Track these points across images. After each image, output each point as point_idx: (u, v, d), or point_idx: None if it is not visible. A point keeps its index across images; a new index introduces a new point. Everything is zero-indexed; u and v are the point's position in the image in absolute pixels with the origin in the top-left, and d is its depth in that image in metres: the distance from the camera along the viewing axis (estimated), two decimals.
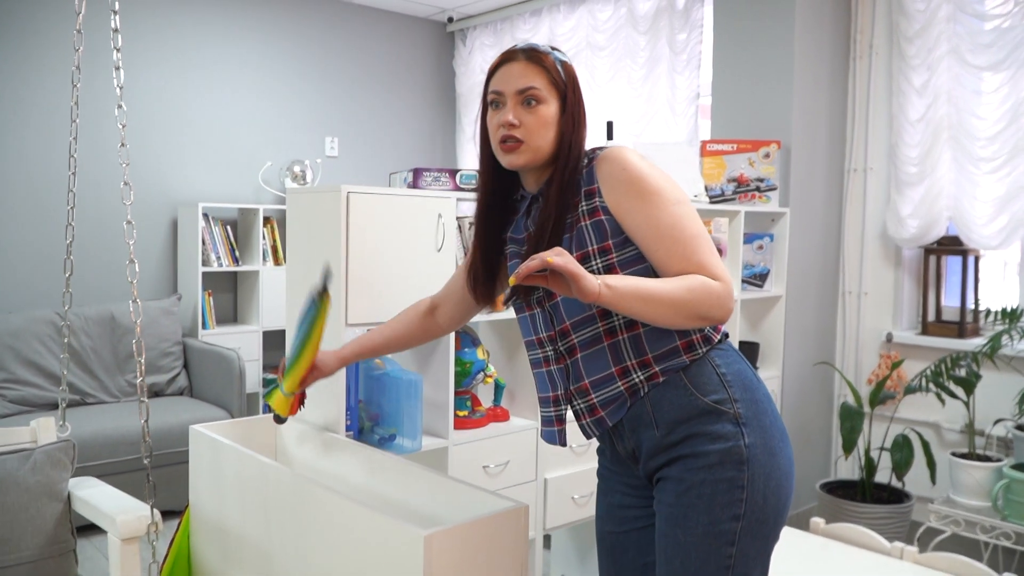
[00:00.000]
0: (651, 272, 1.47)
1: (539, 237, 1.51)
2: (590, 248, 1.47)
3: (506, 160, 1.54)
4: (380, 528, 1.52)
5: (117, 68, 1.91)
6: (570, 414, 1.60)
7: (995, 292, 3.93)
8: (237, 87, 5.32)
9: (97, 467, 3.71)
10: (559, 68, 1.55)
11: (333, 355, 1.87)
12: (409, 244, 2.35)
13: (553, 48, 1.58)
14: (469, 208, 2.71)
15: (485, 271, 1.67)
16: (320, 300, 1.75)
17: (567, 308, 1.53)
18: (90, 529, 3.40)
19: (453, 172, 2.58)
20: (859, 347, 4.11)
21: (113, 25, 1.95)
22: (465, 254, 2.58)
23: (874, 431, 3.68)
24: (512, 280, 1.29)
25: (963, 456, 3.02)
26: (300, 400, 1.95)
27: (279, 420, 1.97)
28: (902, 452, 3.28)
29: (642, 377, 1.48)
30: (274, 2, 5.45)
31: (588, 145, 1.58)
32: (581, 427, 1.58)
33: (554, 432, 1.61)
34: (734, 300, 1.50)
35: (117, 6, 1.93)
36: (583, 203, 1.49)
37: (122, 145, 1.85)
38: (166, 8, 4.96)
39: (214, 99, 5.22)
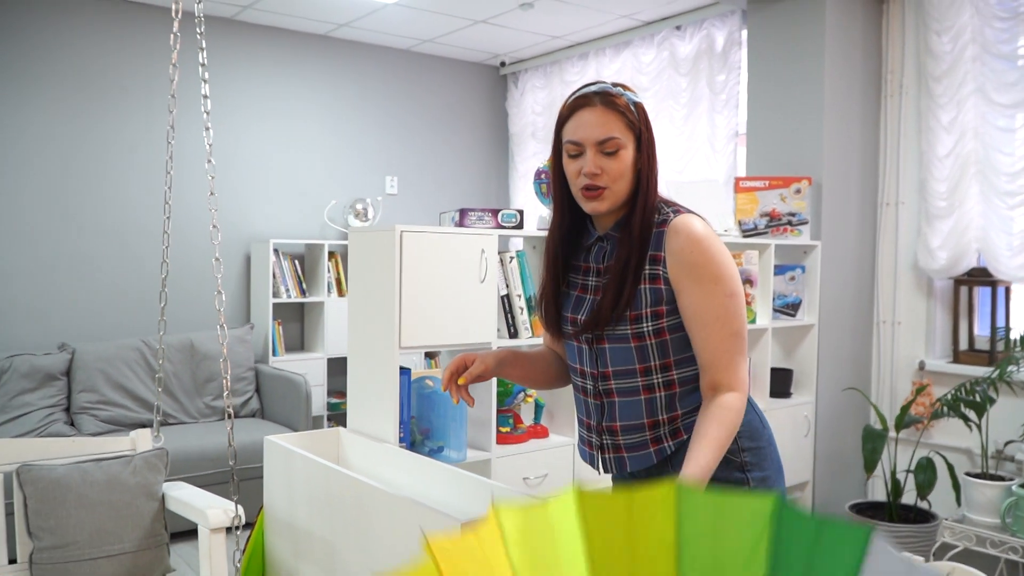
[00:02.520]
0: (689, 340, 1.60)
1: (622, 274, 1.58)
2: (644, 310, 1.58)
3: (590, 207, 1.61)
4: (427, 519, 1.80)
5: (207, 128, 2.25)
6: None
7: None
8: (304, 131, 5.74)
9: (180, 479, 4.07)
10: (633, 110, 1.59)
11: (485, 354, 1.81)
12: (456, 276, 2.65)
13: (625, 88, 1.61)
14: (511, 244, 2.99)
15: (555, 301, 1.73)
16: None
17: (612, 356, 1.64)
18: (173, 538, 3.74)
19: (495, 211, 2.87)
20: (893, 374, 4.26)
21: (203, 91, 2.30)
22: (507, 285, 2.87)
23: (902, 455, 3.83)
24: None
25: (977, 476, 3.17)
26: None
27: None
28: (925, 474, 3.43)
29: (668, 431, 1.61)
30: (338, 51, 5.88)
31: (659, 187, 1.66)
32: (603, 460, 1.70)
33: (587, 453, 1.74)
34: (746, 402, 1.60)
35: (207, 76, 2.27)
36: (647, 267, 1.58)
37: (211, 194, 2.19)
38: (241, 60, 5.41)
39: (284, 143, 5.65)
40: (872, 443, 3.55)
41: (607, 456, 1.68)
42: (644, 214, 1.59)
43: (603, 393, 1.65)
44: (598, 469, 1.71)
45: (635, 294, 1.57)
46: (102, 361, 4.57)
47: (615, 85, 1.60)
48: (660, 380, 1.61)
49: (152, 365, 4.71)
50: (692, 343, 1.58)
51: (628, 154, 1.58)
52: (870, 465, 3.54)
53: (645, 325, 1.58)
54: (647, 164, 1.60)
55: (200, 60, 2.20)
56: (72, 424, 4.46)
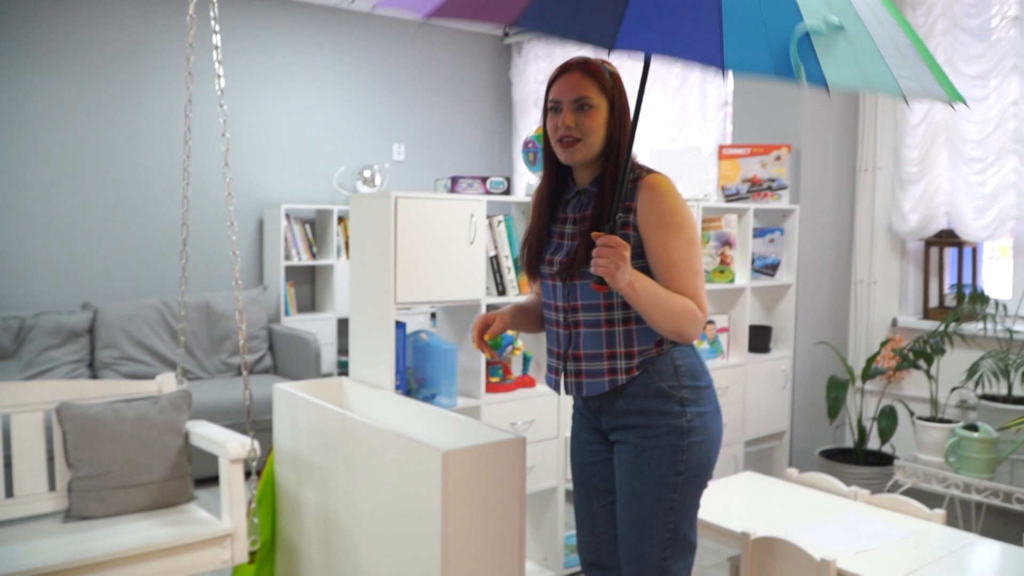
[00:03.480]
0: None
1: (597, 220, 1.84)
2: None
3: (564, 155, 1.89)
4: (410, 449, 2.08)
5: (221, 106, 2.51)
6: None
7: (998, 279, 4.29)
8: (314, 100, 5.98)
9: None
10: (608, 78, 1.88)
11: (502, 311, 2.10)
12: (447, 238, 2.91)
13: (603, 61, 1.90)
14: (498, 208, 3.24)
15: (536, 244, 2.00)
16: None
17: (582, 292, 1.92)
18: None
19: (484, 179, 3.13)
20: (869, 331, 4.51)
21: (218, 72, 2.55)
22: (495, 247, 3.13)
23: (872, 404, 4.09)
24: (594, 235, 1.74)
25: (928, 420, 3.43)
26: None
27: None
28: (887, 420, 3.70)
29: (623, 367, 1.89)
30: (347, 22, 6.09)
31: (635, 144, 1.84)
32: (565, 384, 1.98)
33: (552, 380, 2.03)
34: (704, 327, 1.90)
35: (220, 57, 2.53)
36: (621, 214, 1.84)
37: (226, 164, 2.45)
38: (254, 32, 5.64)
39: (295, 111, 5.89)
40: (835, 392, 3.82)
41: (569, 380, 1.96)
42: (616, 168, 1.84)
43: (571, 324, 1.93)
44: (559, 391, 2.01)
45: (616, 213, 1.78)
46: (123, 319, 4.87)
47: (596, 60, 1.89)
48: (620, 316, 1.89)
49: (170, 323, 5.01)
50: (660, 282, 1.82)
51: (600, 113, 1.85)
52: (833, 412, 3.81)
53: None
54: (618, 125, 1.87)
55: (214, 43, 2.44)
56: (95, 378, 4.77)
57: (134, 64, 5.23)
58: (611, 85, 1.88)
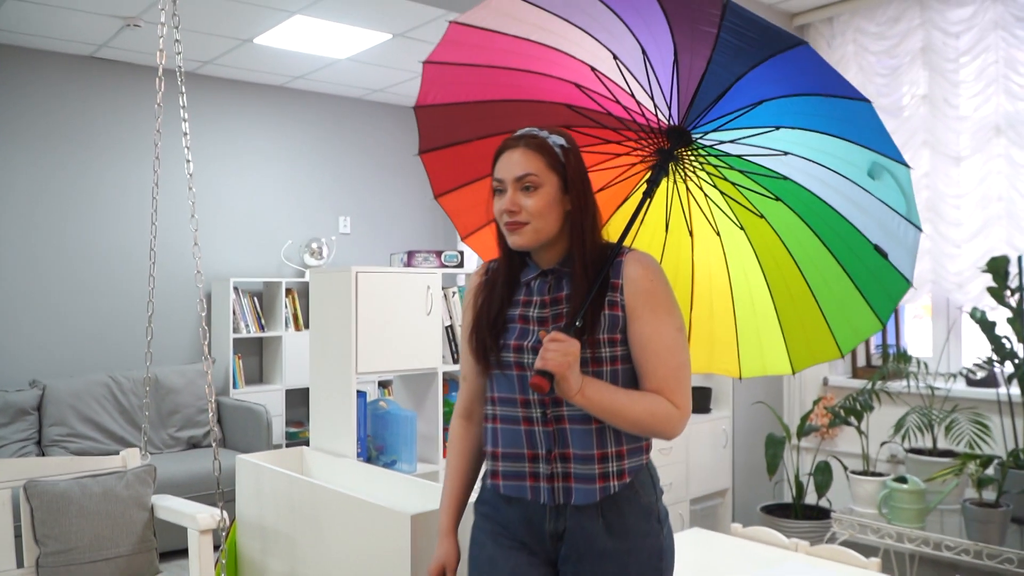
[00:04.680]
0: (632, 376, 1.66)
1: (575, 309, 1.61)
2: (603, 335, 1.62)
3: (511, 240, 1.66)
4: (378, 514, 2.18)
5: (190, 188, 2.63)
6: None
7: (920, 338, 4.58)
8: (261, 174, 6.11)
9: None
10: (556, 152, 1.64)
11: (448, 540, 1.81)
12: (405, 310, 3.05)
13: (553, 130, 1.67)
14: (451, 280, 3.40)
15: (492, 331, 1.70)
16: None
17: None
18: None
19: (439, 253, 3.29)
20: (803, 390, 4.75)
21: (187, 156, 2.67)
22: (450, 317, 3.27)
23: (805, 460, 4.31)
24: (542, 335, 1.56)
25: (861, 474, 3.65)
26: None
27: None
28: (823, 475, 3.91)
29: (615, 470, 1.64)
30: (293, 100, 6.27)
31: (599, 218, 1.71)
32: (551, 489, 1.64)
33: (525, 487, 1.67)
34: (685, 425, 1.64)
35: (189, 143, 2.65)
36: (608, 293, 1.64)
37: (195, 244, 2.56)
38: (201, 109, 5.77)
39: (241, 186, 6.00)
40: (773, 449, 4.02)
41: (556, 485, 1.65)
42: (587, 249, 1.64)
43: (554, 419, 1.65)
44: (541, 499, 1.66)
45: (597, 316, 1.63)
46: (72, 396, 4.84)
47: (544, 130, 1.67)
48: None
49: (119, 399, 4.99)
50: (641, 371, 1.64)
51: (549, 191, 1.62)
52: (772, 468, 4.01)
53: (604, 351, 1.62)
54: (577, 202, 1.64)
55: (183, 129, 2.58)
56: (43, 456, 4.72)
57: (89, 145, 5.30)
58: (561, 159, 1.64)
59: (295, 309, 6.01)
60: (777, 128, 1.70)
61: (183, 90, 2.69)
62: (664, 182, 1.88)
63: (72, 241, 5.27)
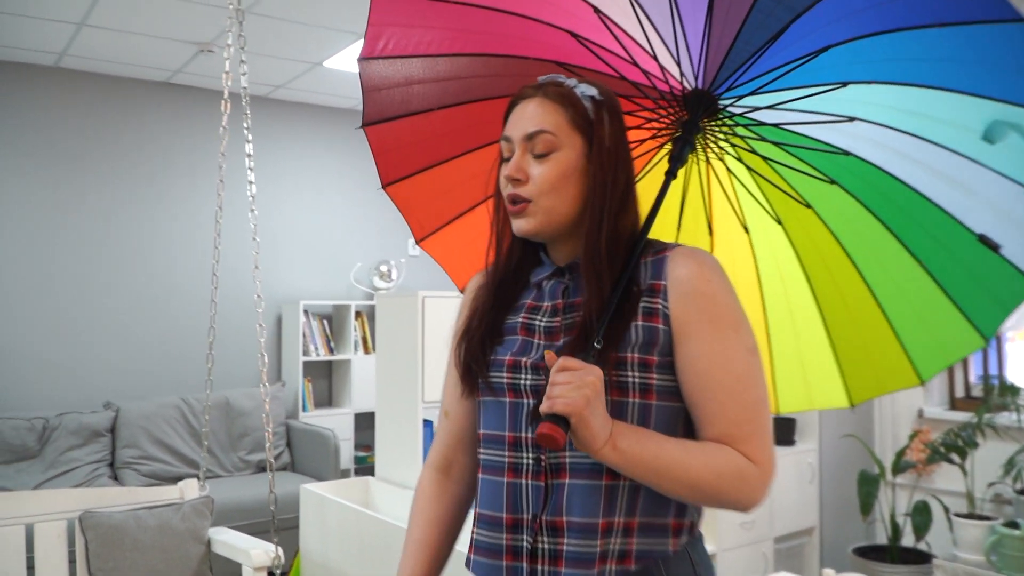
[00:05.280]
0: (683, 416, 1.17)
1: (594, 317, 1.14)
2: (631, 354, 1.14)
3: (516, 225, 1.21)
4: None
5: (252, 211, 2.56)
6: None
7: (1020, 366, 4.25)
8: (331, 197, 6.10)
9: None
10: (585, 103, 1.20)
11: None
12: None
13: (583, 81, 1.23)
14: None
15: (483, 342, 1.23)
16: None
17: None
18: None
19: None
20: (895, 422, 4.45)
21: (250, 178, 2.61)
22: None
23: (900, 498, 4.01)
24: (547, 356, 1.10)
25: (966, 516, 3.35)
26: None
27: None
28: (922, 516, 3.62)
29: (618, 548, 1.13)
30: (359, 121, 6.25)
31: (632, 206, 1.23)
32: (519, 572, 1.16)
33: (499, 569, 1.18)
34: (769, 489, 1.13)
35: (252, 164, 2.59)
36: (644, 298, 1.16)
37: (256, 268, 2.49)
38: (273, 133, 5.79)
39: (312, 209, 6.00)
40: (867, 487, 3.75)
41: (539, 569, 1.14)
42: (603, 235, 1.17)
43: (551, 470, 1.15)
44: None
45: (626, 328, 1.14)
46: (144, 419, 4.86)
47: (573, 77, 1.24)
48: None
49: (190, 422, 4.99)
50: (699, 412, 1.14)
51: (567, 157, 1.18)
52: (866, 508, 3.73)
53: (630, 374, 1.13)
54: (602, 173, 1.18)
55: (247, 151, 2.51)
56: (115, 478, 4.73)
57: (160, 168, 5.37)
58: (589, 114, 1.20)
59: (364, 332, 5.96)
60: (844, 85, 1.28)
61: (247, 112, 2.63)
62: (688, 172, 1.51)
63: (146, 264, 5.31)
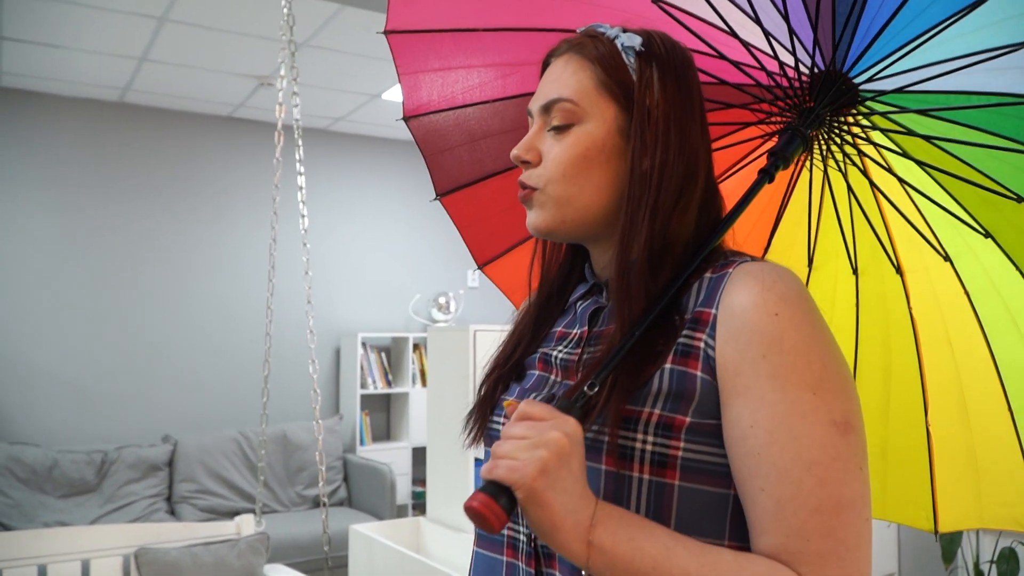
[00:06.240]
0: (733, 509, 0.81)
1: (598, 357, 0.84)
2: (647, 410, 0.80)
3: (528, 219, 0.93)
4: None
5: (304, 244, 2.51)
6: None
7: None
8: (390, 229, 6.09)
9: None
10: (628, 59, 0.89)
11: None
12: None
13: (628, 29, 0.92)
14: None
15: (504, 381, 0.99)
16: None
17: None
18: None
19: None
20: None
21: (302, 211, 2.58)
22: None
23: (985, 544, 3.76)
24: (506, 404, 0.90)
25: None
26: None
27: None
28: (1008, 564, 3.37)
29: None
30: (419, 154, 6.25)
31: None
32: None
33: None
34: None
35: (304, 197, 2.55)
36: (685, 331, 0.83)
37: (308, 303, 2.44)
38: (331, 166, 5.83)
39: (370, 241, 6.00)
40: (950, 534, 3.52)
41: None
42: (643, 244, 0.86)
43: (543, 556, 0.86)
44: None
45: (643, 371, 0.82)
46: (202, 452, 4.86)
47: (616, 27, 0.93)
48: None
49: (248, 455, 4.98)
50: (748, 512, 0.79)
51: (590, 132, 0.88)
52: (948, 555, 3.50)
53: (640, 437, 0.80)
54: (646, 149, 0.87)
55: (299, 184, 2.48)
56: (172, 513, 4.73)
57: (221, 201, 5.43)
58: (633, 74, 0.89)
59: (422, 365, 5.90)
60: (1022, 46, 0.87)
61: (299, 144, 2.60)
62: (799, 172, 1.18)
63: (203, 298, 5.36)
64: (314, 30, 4.01)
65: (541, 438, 0.72)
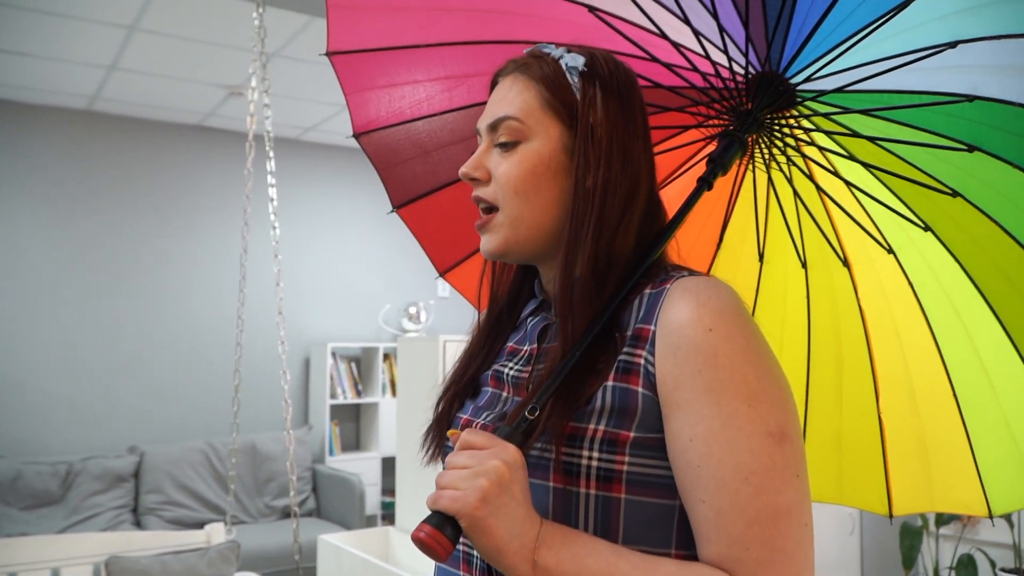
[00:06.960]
0: (679, 520, 0.83)
1: (539, 378, 0.88)
2: (591, 426, 0.82)
3: (481, 244, 0.95)
4: None
5: (276, 256, 2.53)
6: None
7: None
8: (360, 239, 6.10)
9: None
10: (571, 78, 0.92)
11: None
12: None
13: (573, 49, 0.95)
14: None
15: (460, 397, 1.01)
16: None
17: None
18: None
19: None
20: None
21: (273, 224, 2.59)
22: None
23: (945, 551, 3.84)
24: (451, 434, 0.87)
25: (1012, 572, 3.19)
26: None
27: None
28: (966, 571, 3.45)
29: None
30: None
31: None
32: None
33: None
34: None
35: (275, 209, 2.57)
36: (626, 348, 0.85)
37: (280, 313, 2.45)
38: (300, 176, 5.82)
39: (340, 251, 6.00)
40: (910, 540, 3.60)
41: None
42: (593, 263, 0.88)
43: (493, 572, 0.86)
44: None
45: (583, 390, 0.85)
46: (169, 463, 4.82)
47: (562, 46, 0.96)
48: None
49: (215, 466, 4.94)
50: (692, 523, 0.82)
51: (536, 150, 0.91)
52: (908, 562, 3.58)
53: (586, 454, 0.82)
54: (589, 166, 0.90)
55: (270, 195, 2.49)
56: (138, 524, 4.69)
57: (189, 211, 5.40)
58: (577, 93, 0.92)
59: (393, 375, 5.90)
60: (953, 46, 0.91)
61: (271, 154, 2.62)
62: (743, 173, 1.20)
63: (173, 307, 5.32)
64: (284, 40, 4.02)
65: (481, 467, 0.75)
